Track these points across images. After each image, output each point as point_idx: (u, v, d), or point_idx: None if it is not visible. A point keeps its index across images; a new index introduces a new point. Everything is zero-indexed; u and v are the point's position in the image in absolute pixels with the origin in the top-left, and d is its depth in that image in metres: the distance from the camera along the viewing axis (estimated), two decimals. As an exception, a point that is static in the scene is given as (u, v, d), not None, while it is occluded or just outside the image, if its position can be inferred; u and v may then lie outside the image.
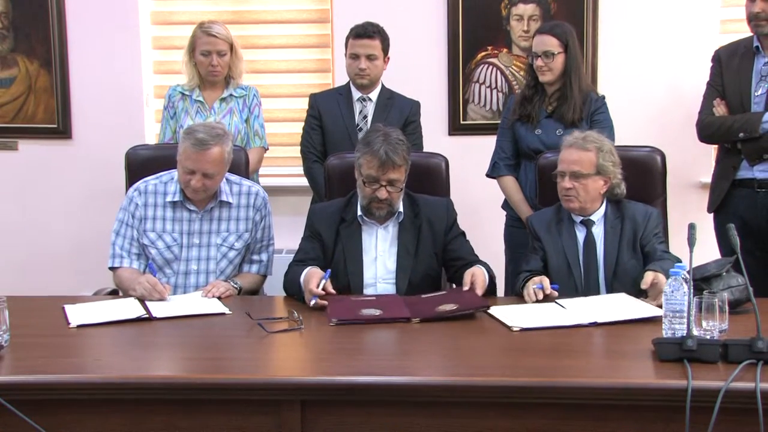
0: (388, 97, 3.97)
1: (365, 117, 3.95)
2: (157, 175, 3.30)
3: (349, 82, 3.99)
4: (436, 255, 3.17)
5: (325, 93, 4.12)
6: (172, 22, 4.74)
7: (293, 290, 3.03)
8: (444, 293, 3.01)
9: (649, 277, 2.78)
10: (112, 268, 3.25)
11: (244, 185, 3.32)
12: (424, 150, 3.88)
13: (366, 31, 3.86)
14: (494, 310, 2.76)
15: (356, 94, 3.96)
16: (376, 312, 2.75)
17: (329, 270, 2.99)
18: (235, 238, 3.27)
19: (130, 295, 3.02)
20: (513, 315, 2.71)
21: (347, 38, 3.92)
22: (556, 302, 2.84)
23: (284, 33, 4.74)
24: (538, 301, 2.86)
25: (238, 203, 3.28)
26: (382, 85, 4.00)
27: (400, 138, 3.08)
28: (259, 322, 2.62)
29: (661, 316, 2.50)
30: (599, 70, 4.48)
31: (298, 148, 4.06)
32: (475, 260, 3.14)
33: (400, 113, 3.94)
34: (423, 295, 2.96)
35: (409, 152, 3.11)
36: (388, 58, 3.95)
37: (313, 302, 2.86)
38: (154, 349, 2.57)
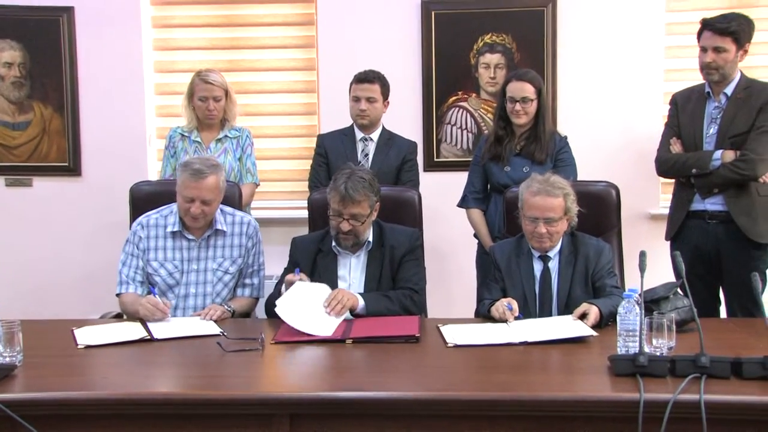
0: (388, 138, 3.98)
1: (367, 155, 3.95)
2: (158, 209, 3.31)
3: (353, 124, 4.00)
4: (393, 280, 3.14)
5: (331, 134, 4.10)
6: (172, 71, 4.75)
7: (272, 309, 2.99)
8: (384, 318, 2.95)
9: (581, 308, 2.81)
10: (118, 295, 3.24)
11: (237, 215, 3.33)
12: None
13: (367, 77, 3.90)
14: (444, 329, 2.78)
15: (359, 134, 3.97)
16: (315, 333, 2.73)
17: (299, 268, 3.04)
18: (230, 263, 3.27)
19: (135, 316, 3.01)
20: (457, 332, 2.72)
21: (351, 83, 3.94)
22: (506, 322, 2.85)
23: (274, 79, 4.76)
24: (497, 321, 2.86)
25: (232, 231, 3.29)
26: (383, 126, 4.01)
27: (364, 177, 3.06)
28: (218, 341, 2.65)
29: (590, 336, 2.64)
30: (558, 114, 4.52)
31: (287, 183, 4.08)
32: (405, 286, 3.09)
33: (398, 152, 3.95)
34: (364, 319, 2.92)
35: (374, 189, 3.08)
36: (388, 102, 3.97)
37: (298, 276, 2.98)
38: (155, 368, 2.55)
